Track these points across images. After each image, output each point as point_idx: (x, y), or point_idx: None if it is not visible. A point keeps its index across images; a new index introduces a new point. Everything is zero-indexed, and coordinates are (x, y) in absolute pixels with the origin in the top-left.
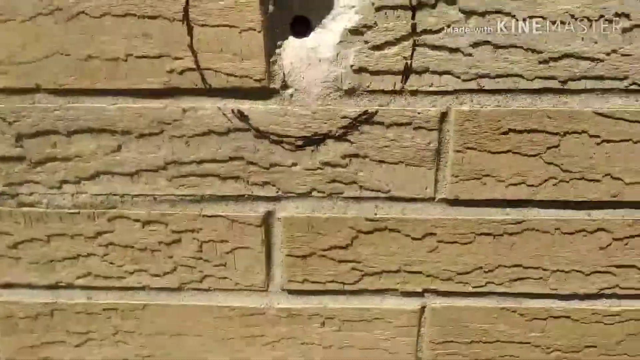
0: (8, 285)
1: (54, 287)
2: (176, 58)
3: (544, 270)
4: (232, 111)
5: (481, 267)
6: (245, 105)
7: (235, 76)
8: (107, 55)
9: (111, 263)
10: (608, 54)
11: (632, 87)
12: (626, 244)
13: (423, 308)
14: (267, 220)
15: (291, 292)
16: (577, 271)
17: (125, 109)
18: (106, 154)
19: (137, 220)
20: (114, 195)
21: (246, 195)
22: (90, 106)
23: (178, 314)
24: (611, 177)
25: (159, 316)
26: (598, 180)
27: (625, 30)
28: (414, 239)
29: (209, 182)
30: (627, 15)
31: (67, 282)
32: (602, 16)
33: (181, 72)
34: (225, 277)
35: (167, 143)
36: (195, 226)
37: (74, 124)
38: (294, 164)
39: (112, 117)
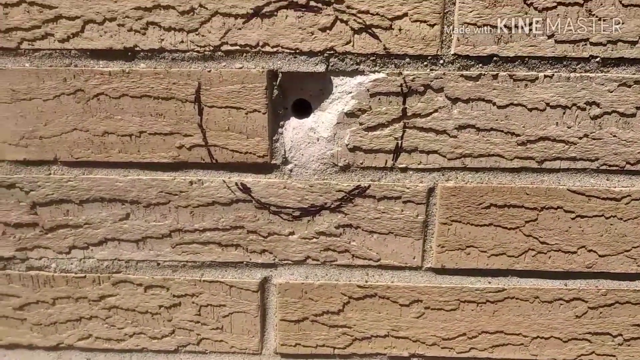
0: (12, 346)
1: (55, 348)
2: (186, 135)
3: (524, 336)
4: (236, 184)
5: (465, 334)
6: (248, 179)
7: (240, 152)
8: (122, 131)
9: (112, 326)
10: (580, 138)
11: (603, 167)
12: (600, 313)
13: None
14: (263, 286)
15: (284, 355)
16: (556, 338)
17: (136, 181)
18: (115, 221)
19: (139, 285)
20: (120, 260)
21: (245, 262)
22: (103, 177)
23: None
24: (586, 249)
25: None
26: (574, 252)
27: (595, 117)
28: (402, 305)
29: (210, 249)
30: (597, 104)
31: (68, 344)
32: (574, 104)
33: (190, 148)
34: (221, 340)
35: (172, 212)
36: (195, 291)
37: (87, 193)
38: (291, 233)
39: (123, 188)
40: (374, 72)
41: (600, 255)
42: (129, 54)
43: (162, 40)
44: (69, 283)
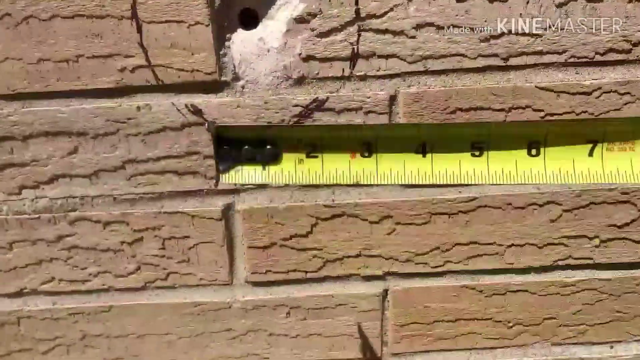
0: None
1: (19, 294)
2: (127, 56)
3: (499, 245)
4: (186, 106)
5: (438, 247)
6: (198, 100)
7: (187, 71)
8: (58, 57)
9: (75, 267)
10: (546, 29)
11: (571, 60)
12: (575, 215)
13: (385, 291)
14: (227, 214)
15: (255, 284)
16: (531, 244)
17: (79, 110)
18: (63, 156)
19: (98, 222)
20: (73, 197)
21: (205, 190)
22: (44, 109)
23: (144, 314)
24: None
25: (125, 317)
26: None
27: (560, 5)
28: (371, 222)
29: (167, 179)
30: None
31: (32, 289)
32: None
33: (133, 70)
34: (189, 273)
35: (123, 142)
36: (156, 224)
37: (30, 128)
38: None
39: (67, 119)
40: None
41: None
42: None
43: None
44: (24, 225)
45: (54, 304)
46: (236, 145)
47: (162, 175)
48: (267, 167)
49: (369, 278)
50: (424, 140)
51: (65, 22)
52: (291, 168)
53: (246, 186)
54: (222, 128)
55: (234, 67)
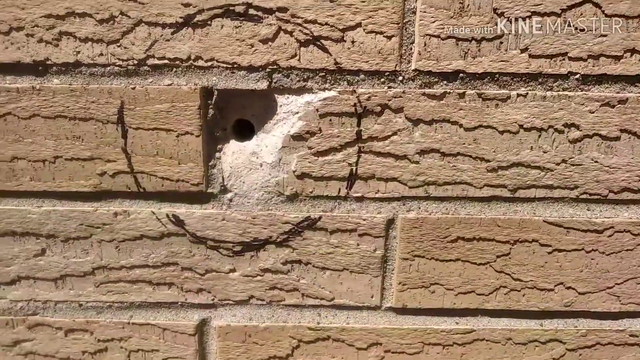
0: None
1: None
2: (109, 160)
3: None
4: (167, 215)
5: None
6: (181, 210)
7: (171, 180)
8: (34, 157)
9: None
10: (558, 164)
11: (583, 196)
12: (580, 355)
13: None
14: (201, 329)
15: None
16: None
17: (51, 212)
18: (28, 258)
19: (59, 328)
20: (36, 301)
21: (180, 303)
22: (13, 208)
23: None
24: (564, 286)
25: None
26: (550, 290)
27: (574, 141)
28: (358, 348)
29: (140, 288)
30: (576, 126)
31: None
32: (551, 126)
33: (113, 175)
34: None
35: (95, 248)
36: (123, 334)
37: None
38: (232, 270)
39: (37, 220)
40: (323, 89)
41: (579, 293)
42: (40, 68)
43: (78, 52)
44: None
45: None
46: None
47: (134, 285)
48: None
49: None
50: None
51: (46, 122)
52: None
53: (225, 301)
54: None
55: (223, 179)
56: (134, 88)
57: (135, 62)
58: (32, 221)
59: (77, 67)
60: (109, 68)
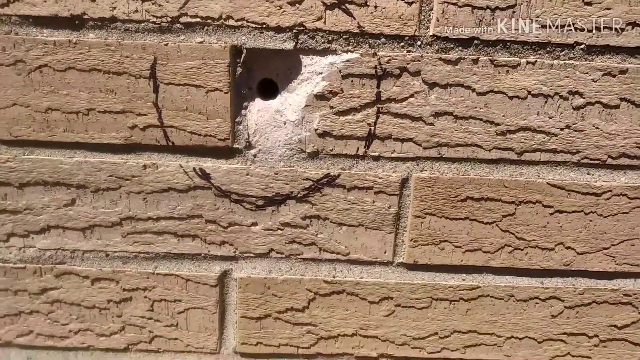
0: None
1: None
2: (140, 114)
3: (498, 336)
4: (194, 169)
5: (437, 333)
6: (208, 164)
7: (199, 135)
8: (68, 108)
9: (55, 321)
10: (562, 129)
11: (584, 161)
12: (577, 313)
13: None
14: (222, 280)
15: (244, 355)
16: (530, 338)
17: (83, 163)
18: (58, 207)
19: (86, 277)
20: (64, 250)
21: (203, 255)
22: (46, 158)
23: None
24: (563, 246)
25: None
26: (551, 249)
27: (577, 108)
28: (371, 302)
29: (165, 240)
30: (580, 94)
31: (6, 341)
32: (557, 93)
33: (144, 129)
34: (175, 339)
35: (124, 199)
36: (148, 284)
37: (28, 176)
38: (254, 224)
39: (69, 171)
40: (346, 51)
41: (578, 253)
42: (77, 22)
43: (114, 8)
44: (7, 274)
45: (29, 358)
46: None
47: (159, 236)
48: None
49: (362, 359)
50: None
51: (81, 75)
52: None
53: (246, 254)
54: None
55: (248, 135)
56: (166, 44)
57: (169, 19)
58: (64, 171)
59: (113, 22)
60: (143, 24)
